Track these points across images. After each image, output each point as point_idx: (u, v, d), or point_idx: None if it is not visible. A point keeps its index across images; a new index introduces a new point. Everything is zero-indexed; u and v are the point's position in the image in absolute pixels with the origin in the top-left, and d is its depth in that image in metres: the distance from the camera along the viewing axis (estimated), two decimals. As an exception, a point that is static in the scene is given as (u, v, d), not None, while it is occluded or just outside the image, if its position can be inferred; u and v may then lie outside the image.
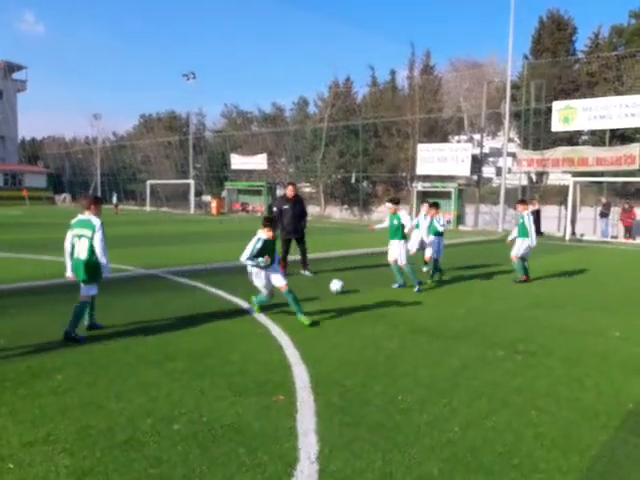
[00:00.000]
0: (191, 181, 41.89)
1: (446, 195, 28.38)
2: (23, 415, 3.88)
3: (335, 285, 8.23)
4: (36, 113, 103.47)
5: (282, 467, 3.23)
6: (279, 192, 39.75)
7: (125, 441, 3.51)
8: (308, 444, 3.52)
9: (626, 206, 22.88)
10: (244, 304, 7.74)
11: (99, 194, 51.49)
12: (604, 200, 23.51)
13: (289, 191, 10.86)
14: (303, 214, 10.97)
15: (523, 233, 10.48)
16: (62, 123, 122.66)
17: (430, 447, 3.54)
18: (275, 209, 10.98)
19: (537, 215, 24.56)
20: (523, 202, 11.23)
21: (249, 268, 6.81)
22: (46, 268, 10.69)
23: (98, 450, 3.39)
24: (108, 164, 52.58)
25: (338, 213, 38.36)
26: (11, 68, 59.14)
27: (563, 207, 25.04)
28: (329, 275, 10.72)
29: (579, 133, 28.32)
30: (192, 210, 41.59)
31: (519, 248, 10.52)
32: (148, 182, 45.22)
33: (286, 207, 10.67)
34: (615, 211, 23.64)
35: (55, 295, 8.13)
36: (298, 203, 10.92)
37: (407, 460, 3.36)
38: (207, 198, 45.18)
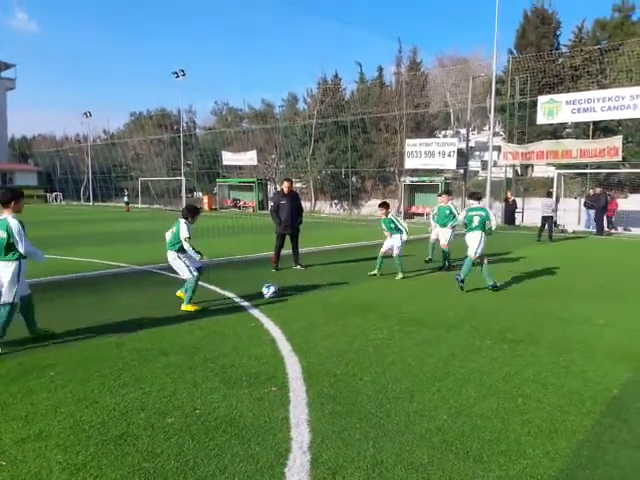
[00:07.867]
0: (182, 178, 41.68)
1: (433, 188, 28.52)
2: (15, 412, 3.89)
3: (266, 290, 7.90)
4: (26, 111, 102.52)
5: (275, 457, 3.28)
6: (270, 188, 39.81)
7: (119, 436, 3.53)
8: (300, 434, 3.57)
9: (608, 197, 23.12)
10: (236, 298, 7.80)
11: (90, 192, 51.14)
12: (592, 192, 23.73)
13: (285, 187, 10.80)
14: (299, 210, 10.95)
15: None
16: (52, 121, 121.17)
17: (420, 435, 3.60)
18: (272, 203, 11.00)
19: (512, 207, 25.08)
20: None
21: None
22: (38, 266, 10.59)
23: (92, 445, 3.41)
24: (99, 162, 52.07)
25: (328, 208, 38.41)
26: (-1, 67, 58.41)
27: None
28: (321, 269, 10.81)
29: (563, 126, 28.52)
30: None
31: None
32: (140, 179, 44.88)
33: (283, 202, 10.63)
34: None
35: (46, 293, 8.08)
36: (294, 199, 10.88)
37: (397, 448, 3.42)
38: (199, 195, 44.96)
